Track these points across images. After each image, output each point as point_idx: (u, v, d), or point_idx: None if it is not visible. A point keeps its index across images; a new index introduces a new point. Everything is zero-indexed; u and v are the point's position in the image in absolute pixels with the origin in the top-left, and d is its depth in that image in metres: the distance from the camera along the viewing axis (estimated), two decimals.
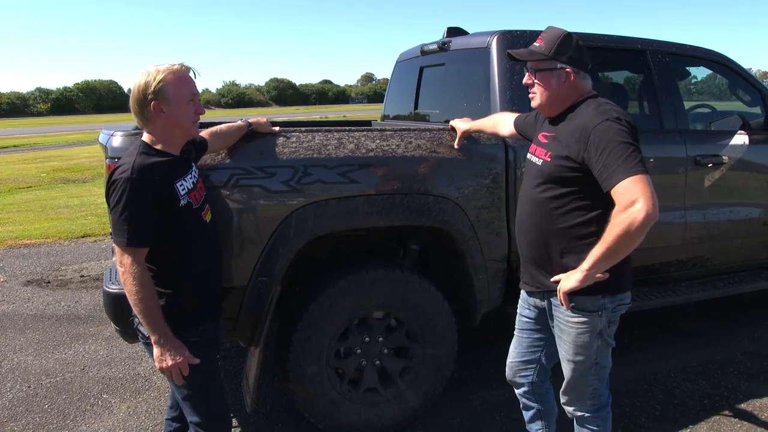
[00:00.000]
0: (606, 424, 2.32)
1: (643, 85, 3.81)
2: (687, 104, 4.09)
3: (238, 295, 2.74)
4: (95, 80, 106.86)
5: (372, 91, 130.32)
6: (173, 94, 2.00)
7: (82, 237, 7.70)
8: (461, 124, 2.96)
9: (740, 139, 3.76)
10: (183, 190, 2.06)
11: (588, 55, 2.16)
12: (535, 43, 2.16)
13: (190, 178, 2.13)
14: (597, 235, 1.99)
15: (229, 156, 2.65)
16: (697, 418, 3.21)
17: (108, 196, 2.00)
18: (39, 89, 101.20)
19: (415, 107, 4.31)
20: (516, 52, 2.23)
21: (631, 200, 1.84)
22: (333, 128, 2.92)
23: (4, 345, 4.36)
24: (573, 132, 2.06)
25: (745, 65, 4.11)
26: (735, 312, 4.69)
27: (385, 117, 4.96)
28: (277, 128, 2.79)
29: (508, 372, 2.54)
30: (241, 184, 2.65)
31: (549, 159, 2.14)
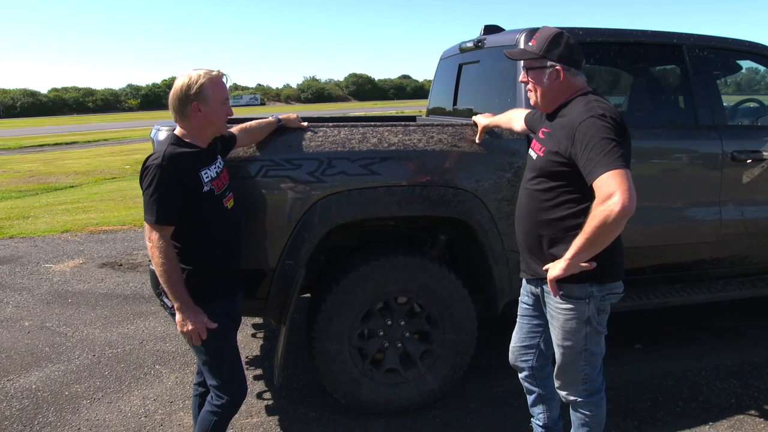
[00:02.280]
0: (599, 410, 2.40)
1: (677, 79, 3.77)
2: (733, 99, 4.02)
3: (268, 276, 2.98)
4: None
5: None
6: (211, 96, 2.28)
7: None
8: (482, 120, 3.08)
9: None
10: (207, 178, 2.32)
11: (581, 52, 2.25)
12: (528, 43, 2.27)
13: (215, 168, 2.39)
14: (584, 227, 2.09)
15: (259, 149, 2.89)
16: (719, 415, 3.20)
17: (141, 179, 2.29)
18: (130, 86, 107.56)
19: (454, 103, 4.44)
20: (509, 52, 2.35)
21: (609, 193, 1.93)
22: (359, 123, 3.11)
23: (76, 319, 4.83)
24: (563, 128, 2.16)
25: None
26: None
27: (430, 112, 5.11)
28: (305, 123, 3.00)
29: (511, 356, 2.66)
30: (270, 175, 2.88)
31: (542, 154, 2.25)
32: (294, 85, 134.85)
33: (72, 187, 12.47)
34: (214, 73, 2.31)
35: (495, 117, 3.04)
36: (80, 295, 5.43)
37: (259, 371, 3.85)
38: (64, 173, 14.42)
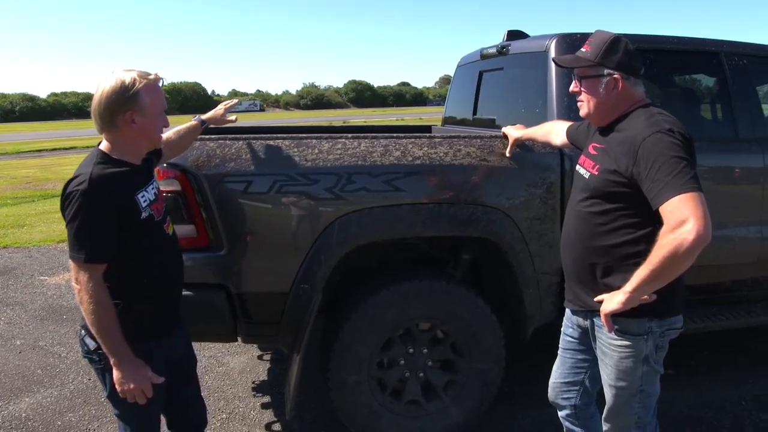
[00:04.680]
0: None
1: (715, 90, 3.55)
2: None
3: (281, 301, 2.74)
4: (181, 82, 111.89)
5: None
6: (149, 105, 1.91)
7: None
8: (513, 132, 2.85)
9: None
10: (144, 201, 1.95)
11: (639, 59, 2.02)
12: (581, 49, 2.04)
13: (152, 188, 2.03)
14: (645, 254, 1.84)
15: (273, 163, 2.65)
16: None
17: (63, 209, 1.87)
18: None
19: (474, 112, 4.21)
20: (561, 59, 2.11)
21: (681, 220, 1.70)
22: (379, 135, 2.87)
23: (71, 338, 4.57)
24: (622, 144, 1.92)
25: None
26: None
27: (446, 121, 4.88)
28: (234, 117, 2.67)
29: (551, 393, 2.42)
30: (284, 191, 2.64)
31: (596, 173, 2.01)
32: (293, 92, 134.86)
33: None
34: (151, 76, 1.92)
35: (529, 129, 2.81)
36: (76, 310, 5.16)
37: (266, 398, 3.60)
38: (62, 179, 14.10)
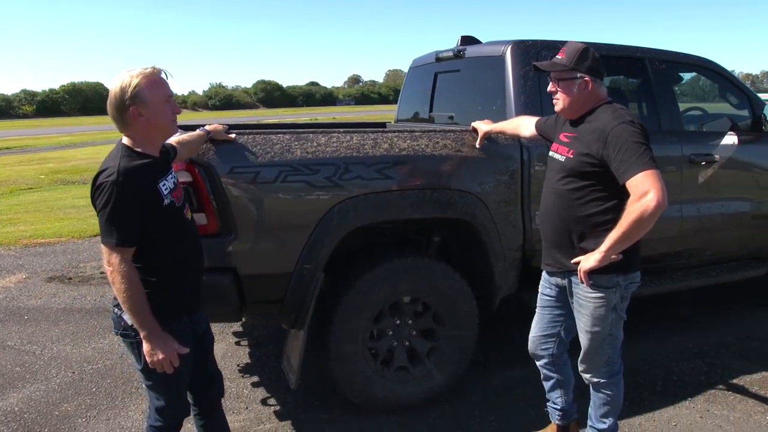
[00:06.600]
0: (618, 390, 2.64)
1: (642, 89, 4.14)
2: (681, 107, 4.45)
3: (285, 281, 3.02)
4: (81, 82, 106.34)
5: (359, 93, 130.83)
6: (150, 97, 2.10)
7: (95, 236, 7.87)
8: (483, 126, 3.27)
9: (730, 139, 4.10)
10: (166, 189, 2.19)
11: (603, 65, 2.48)
12: (557, 56, 2.48)
13: (171, 178, 2.27)
14: (613, 222, 2.32)
15: (278, 155, 2.94)
16: (695, 391, 3.55)
17: (94, 199, 2.10)
18: (24, 91, 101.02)
19: (430, 110, 4.61)
20: (540, 64, 2.55)
21: (644, 191, 2.16)
22: (366, 129, 3.22)
23: (40, 336, 4.60)
24: (593, 133, 2.38)
25: (728, 68, 4.46)
26: (727, 299, 5.04)
27: (399, 120, 5.26)
28: (233, 135, 2.94)
29: (531, 345, 2.86)
30: (289, 180, 2.94)
31: (572, 156, 2.46)
32: (200, 92, 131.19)
33: None
34: (148, 71, 2.13)
35: (498, 123, 3.24)
36: (36, 311, 5.16)
37: (255, 378, 3.85)
38: None
